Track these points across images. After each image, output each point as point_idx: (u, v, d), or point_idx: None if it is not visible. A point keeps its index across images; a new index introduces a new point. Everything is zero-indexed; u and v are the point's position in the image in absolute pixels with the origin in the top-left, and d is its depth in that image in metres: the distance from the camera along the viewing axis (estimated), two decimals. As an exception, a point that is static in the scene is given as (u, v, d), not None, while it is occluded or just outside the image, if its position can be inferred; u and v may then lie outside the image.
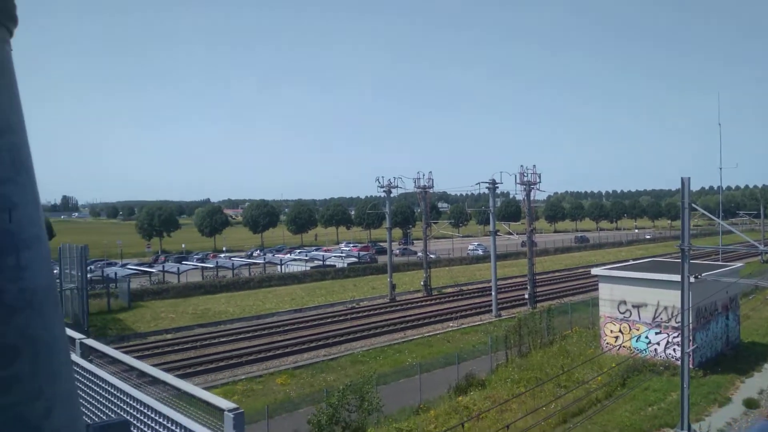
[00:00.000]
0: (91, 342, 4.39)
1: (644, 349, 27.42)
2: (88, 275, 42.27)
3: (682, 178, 16.65)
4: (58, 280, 40.91)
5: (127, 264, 70.44)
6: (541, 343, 30.24)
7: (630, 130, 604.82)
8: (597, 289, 31.44)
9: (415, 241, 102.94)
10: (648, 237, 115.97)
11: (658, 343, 27.27)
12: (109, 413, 3.48)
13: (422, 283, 52.21)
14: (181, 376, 25.77)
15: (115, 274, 52.28)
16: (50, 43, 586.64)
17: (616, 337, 29.03)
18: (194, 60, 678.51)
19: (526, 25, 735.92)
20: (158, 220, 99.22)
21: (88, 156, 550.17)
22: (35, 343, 1.26)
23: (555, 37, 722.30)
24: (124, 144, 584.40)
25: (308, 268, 62.68)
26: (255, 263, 66.10)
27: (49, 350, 1.32)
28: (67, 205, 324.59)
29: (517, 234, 61.13)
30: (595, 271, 33.09)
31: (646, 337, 27.68)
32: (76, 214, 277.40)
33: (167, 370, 24.61)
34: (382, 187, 51.72)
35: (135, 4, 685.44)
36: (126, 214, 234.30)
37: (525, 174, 45.17)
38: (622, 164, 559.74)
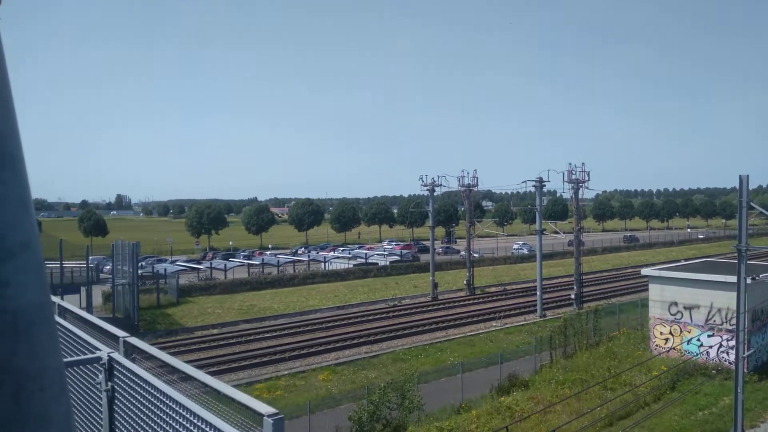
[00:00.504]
0: (133, 340, 4.51)
1: (696, 352, 26.51)
2: (139, 271, 43.65)
3: (740, 176, 16.00)
4: (110, 276, 42.52)
5: (176, 261, 72.37)
6: (587, 345, 29.64)
7: (683, 126, 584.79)
8: (647, 290, 30.60)
9: (458, 240, 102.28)
10: (701, 237, 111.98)
11: (710, 346, 26.32)
12: (150, 414, 3.57)
13: (465, 282, 51.85)
14: (226, 371, 26.44)
15: (165, 270, 53.79)
16: (89, 32, 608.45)
17: (666, 339, 28.17)
18: (244, 59, 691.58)
19: (563, 22, 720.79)
20: (207, 218, 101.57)
21: (141, 155, 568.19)
22: (19, 376, 1.01)
23: (601, 31, 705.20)
24: (175, 144, 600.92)
25: (351, 266, 63.08)
26: (299, 260, 66.95)
27: (38, 385, 1.05)
28: (121, 204, 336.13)
29: (563, 233, 60.06)
30: (645, 271, 32.16)
31: (698, 340, 26.73)
32: (115, 212, 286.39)
33: (213, 365, 25.15)
34: (425, 185, 51.56)
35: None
36: (176, 212, 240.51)
37: (573, 172, 44.39)
38: (675, 162, 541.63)
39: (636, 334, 31.86)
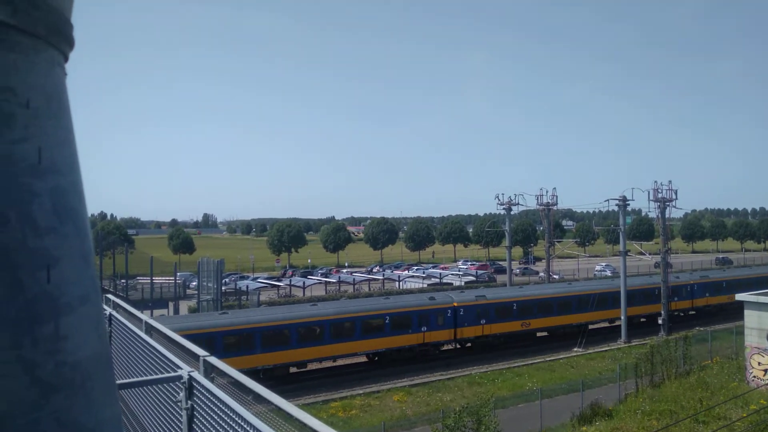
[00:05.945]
0: (213, 360, 4.69)
1: (801, 387, 24.37)
2: (223, 288, 45.33)
3: None
4: (195, 292, 44.46)
5: (257, 278, 74.71)
6: (676, 374, 27.95)
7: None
8: (742, 316, 28.55)
9: (537, 261, 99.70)
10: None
11: (818, 380, 24.13)
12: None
13: (544, 304, 50.28)
14: (304, 389, 26.78)
15: (247, 287, 55.65)
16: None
17: (765, 371, 26.09)
18: (329, 83, 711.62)
19: (652, 33, 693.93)
20: (287, 236, 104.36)
21: (227, 176, 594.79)
22: (75, 430, 0.99)
23: (685, 44, 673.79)
24: (259, 165, 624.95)
25: (425, 285, 62.84)
26: (374, 279, 67.41)
27: None
28: (207, 222, 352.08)
29: (649, 254, 57.14)
30: (740, 296, 29.96)
31: (803, 373, 24.61)
32: (204, 231, 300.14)
33: (290, 382, 25.54)
34: (501, 204, 50.82)
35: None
36: (258, 230, 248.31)
37: (659, 190, 42.55)
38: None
39: (731, 364, 29.73)
